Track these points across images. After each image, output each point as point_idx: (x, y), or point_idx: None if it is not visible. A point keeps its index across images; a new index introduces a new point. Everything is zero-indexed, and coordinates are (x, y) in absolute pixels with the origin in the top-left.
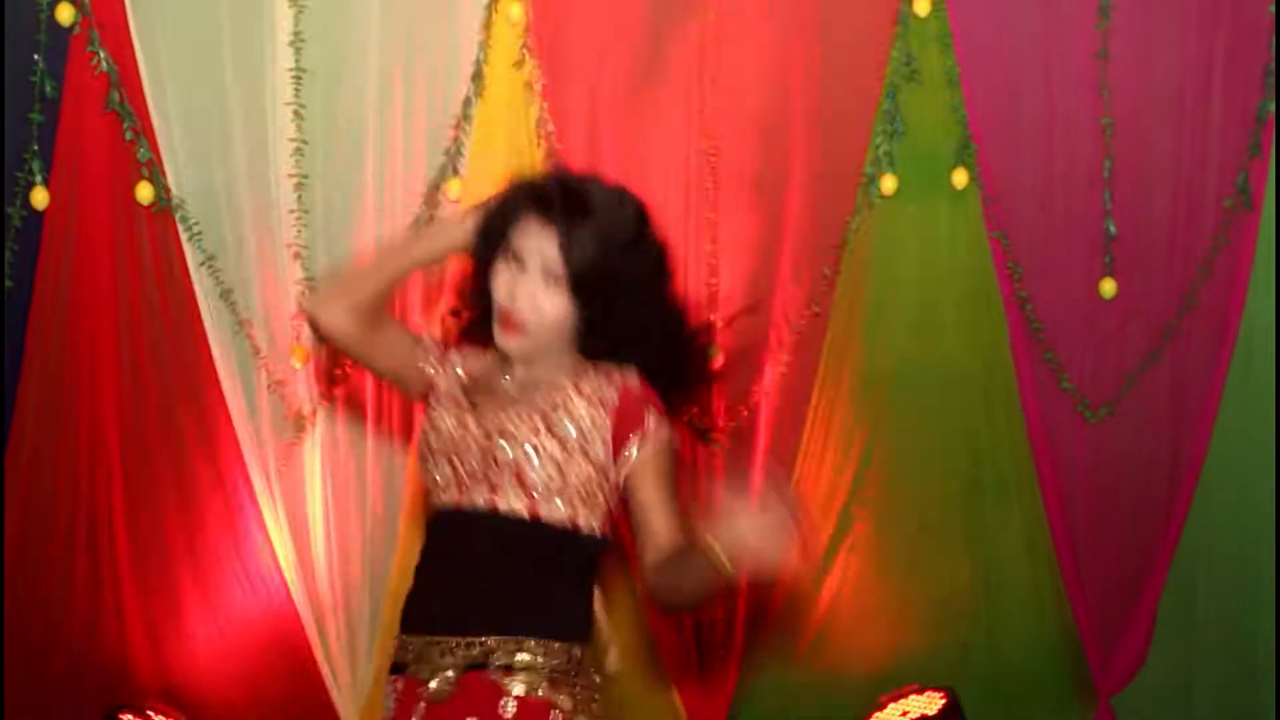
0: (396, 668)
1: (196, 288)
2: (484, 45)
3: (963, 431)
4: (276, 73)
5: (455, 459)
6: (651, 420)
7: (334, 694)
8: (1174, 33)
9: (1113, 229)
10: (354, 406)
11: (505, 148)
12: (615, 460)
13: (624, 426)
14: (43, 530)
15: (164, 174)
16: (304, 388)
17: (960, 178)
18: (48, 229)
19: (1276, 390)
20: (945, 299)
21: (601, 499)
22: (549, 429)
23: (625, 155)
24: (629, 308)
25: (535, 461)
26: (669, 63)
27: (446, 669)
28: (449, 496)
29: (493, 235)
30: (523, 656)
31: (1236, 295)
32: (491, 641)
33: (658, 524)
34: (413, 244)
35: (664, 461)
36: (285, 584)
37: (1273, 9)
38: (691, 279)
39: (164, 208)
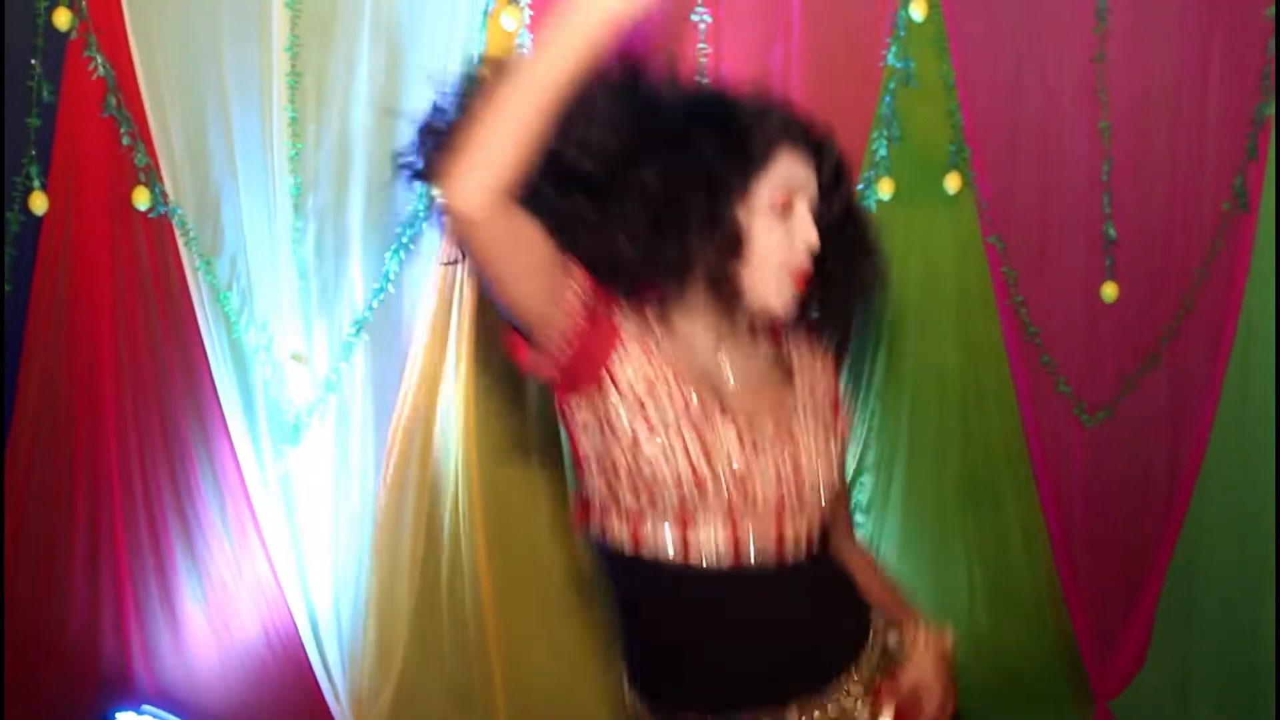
0: None
1: (193, 293)
2: (479, 51)
3: (960, 436)
4: (274, 77)
5: (740, 495)
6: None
7: (330, 701)
8: (1171, 36)
9: (1113, 233)
10: (351, 412)
11: None
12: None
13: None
14: (41, 534)
15: (161, 179)
16: (301, 393)
17: (954, 182)
18: (45, 234)
19: (1276, 393)
20: (941, 303)
21: None
22: (826, 429)
23: None
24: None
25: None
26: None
27: None
28: (713, 550)
29: (731, 156)
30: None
31: (1233, 298)
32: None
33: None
34: (540, 58)
35: None
36: (282, 590)
37: (1270, 12)
38: None
39: (161, 213)
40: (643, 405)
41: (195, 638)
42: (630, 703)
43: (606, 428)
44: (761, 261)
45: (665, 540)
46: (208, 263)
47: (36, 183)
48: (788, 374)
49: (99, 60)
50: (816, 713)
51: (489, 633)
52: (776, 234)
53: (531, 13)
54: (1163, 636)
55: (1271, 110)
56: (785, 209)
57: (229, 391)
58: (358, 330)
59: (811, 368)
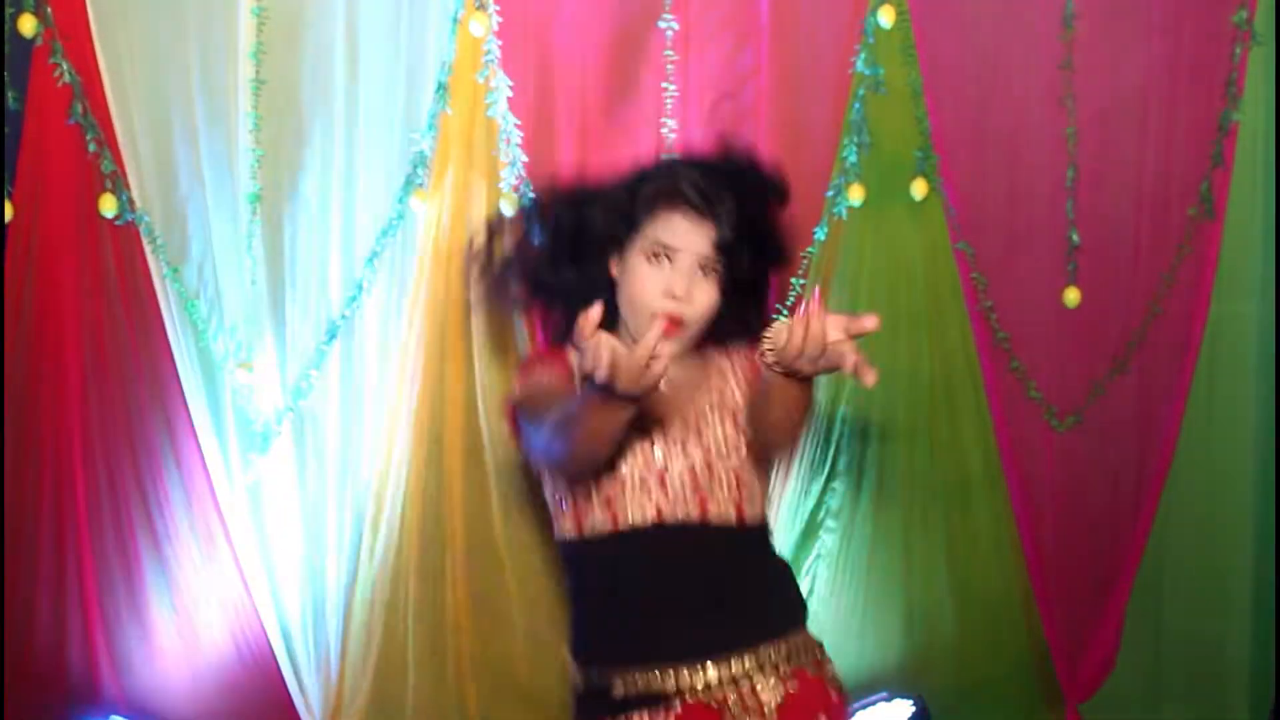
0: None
1: (161, 300)
2: (449, 57)
3: (930, 441)
4: (241, 84)
5: (660, 479)
6: None
7: (301, 711)
8: (1138, 43)
9: (1076, 238)
10: (320, 418)
11: (470, 160)
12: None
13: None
14: (6, 543)
15: (128, 186)
16: (270, 400)
17: (920, 188)
18: (11, 242)
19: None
20: (912, 308)
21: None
22: (736, 425)
23: (591, 167)
24: (765, 286)
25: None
26: (635, 76)
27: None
28: (640, 515)
29: (617, 225)
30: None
31: (1200, 304)
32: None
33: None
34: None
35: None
36: (251, 599)
37: (1234, 19)
38: None
39: (128, 220)
40: None
41: (164, 647)
42: (577, 680)
43: None
44: (631, 302)
45: (595, 518)
46: (175, 270)
47: (2, 190)
48: (707, 378)
49: (65, 67)
50: (734, 666)
51: (464, 640)
52: (648, 280)
53: (500, 19)
54: (1133, 640)
55: (1237, 116)
56: (656, 259)
57: (197, 400)
58: (330, 338)
59: (727, 370)
